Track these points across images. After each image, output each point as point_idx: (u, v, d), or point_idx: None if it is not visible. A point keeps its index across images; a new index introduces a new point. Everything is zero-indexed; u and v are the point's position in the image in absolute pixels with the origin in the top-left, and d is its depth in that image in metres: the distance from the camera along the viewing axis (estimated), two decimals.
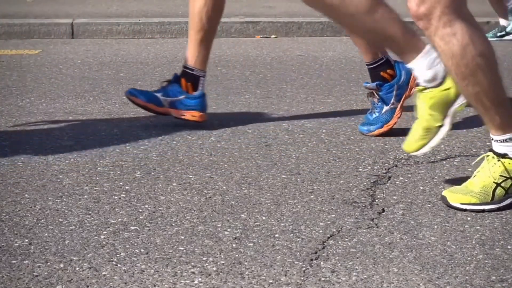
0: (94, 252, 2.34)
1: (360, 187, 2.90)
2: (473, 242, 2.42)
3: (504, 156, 2.71)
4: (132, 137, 3.56)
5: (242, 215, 2.63)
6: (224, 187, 2.91)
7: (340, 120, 3.89)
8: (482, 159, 2.76)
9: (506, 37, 6.89)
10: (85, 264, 2.25)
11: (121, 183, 2.94)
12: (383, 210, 2.68)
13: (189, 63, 3.74)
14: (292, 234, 2.47)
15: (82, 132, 3.66)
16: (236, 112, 4.08)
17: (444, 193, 2.71)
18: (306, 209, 2.69)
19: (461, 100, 2.78)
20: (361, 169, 3.12)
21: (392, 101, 3.60)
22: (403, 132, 3.65)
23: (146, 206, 2.71)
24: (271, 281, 2.16)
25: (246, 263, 2.27)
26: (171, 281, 2.16)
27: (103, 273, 2.20)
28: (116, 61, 5.61)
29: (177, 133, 3.63)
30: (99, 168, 3.11)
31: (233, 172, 3.08)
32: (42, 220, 2.58)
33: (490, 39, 6.86)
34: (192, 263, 2.26)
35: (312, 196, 2.80)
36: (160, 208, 2.69)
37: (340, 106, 4.24)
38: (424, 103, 2.79)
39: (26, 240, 2.42)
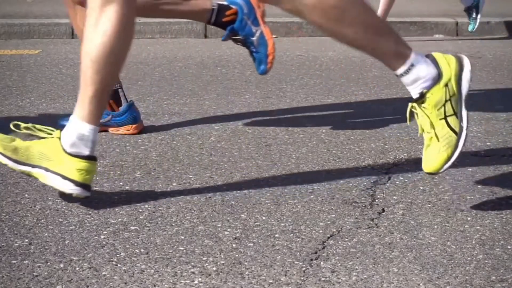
0: (94, 252, 2.33)
1: (360, 187, 2.90)
2: (473, 242, 2.42)
3: (422, 96, 2.59)
4: (132, 137, 3.56)
5: (242, 215, 2.63)
6: (224, 187, 2.91)
7: (340, 120, 3.89)
8: (413, 115, 2.64)
9: (479, 13, 6.53)
10: (85, 264, 2.25)
11: (121, 183, 2.94)
12: (383, 210, 2.68)
13: None
14: (292, 234, 2.47)
15: None
16: (236, 112, 4.07)
17: (425, 169, 2.62)
18: (306, 209, 2.69)
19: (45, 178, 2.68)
20: (361, 169, 3.12)
21: (253, 29, 3.58)
22: (403, 131, 3.66)
23: (146, 206, 2.71)
24: (271, 281, 2.16)
25: (246, 263, 2.27)
26: (171, 281, 2.16)
27: (103, 273, 2.20)
28: None
29: (177, 133, 3.63)
30: (99, 168, 3.10)
31: (233, 172, 3.08)
32: (42, 220, 2.58)
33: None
34: (192, 263, 2.26)
35: (312, 196, 2.80)
36: (160, 208, 2.69)
37: (340, 106, 4.24)
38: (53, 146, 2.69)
39: (26, 240, 2.42)
